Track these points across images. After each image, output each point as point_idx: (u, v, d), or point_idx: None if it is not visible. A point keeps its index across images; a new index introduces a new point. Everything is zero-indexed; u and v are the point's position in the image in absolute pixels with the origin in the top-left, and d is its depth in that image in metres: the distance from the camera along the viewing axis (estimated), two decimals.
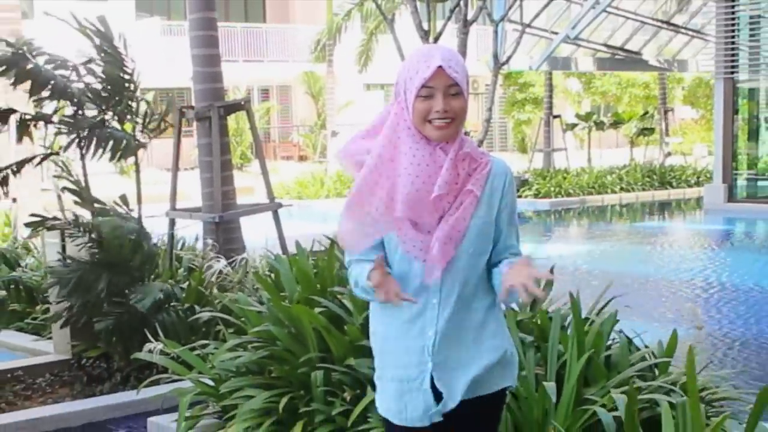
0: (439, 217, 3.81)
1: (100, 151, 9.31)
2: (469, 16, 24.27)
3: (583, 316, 7.08)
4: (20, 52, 8.91)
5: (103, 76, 9.33)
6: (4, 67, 8.79)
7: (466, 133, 3.97)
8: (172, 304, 9.45)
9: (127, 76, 9.40)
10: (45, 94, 9.09)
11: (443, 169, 3.76)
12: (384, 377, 4.02)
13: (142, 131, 9.64)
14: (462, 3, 23.90)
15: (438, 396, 3.91)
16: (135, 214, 9.43)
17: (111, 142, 9.29)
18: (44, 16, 9.60)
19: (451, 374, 3.90)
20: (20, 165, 9.31)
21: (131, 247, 9.15)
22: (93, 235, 9.08)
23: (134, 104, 9.56)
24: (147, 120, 9.68)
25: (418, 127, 3.77)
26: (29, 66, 8.89)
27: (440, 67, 3.71)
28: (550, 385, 6.42)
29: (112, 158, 9.43)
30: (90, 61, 9.33)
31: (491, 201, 3.89)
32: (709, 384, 7.38)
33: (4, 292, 9.24)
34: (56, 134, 9.39)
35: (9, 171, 9.20)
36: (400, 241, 3.83)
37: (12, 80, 8.88)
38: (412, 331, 3.89)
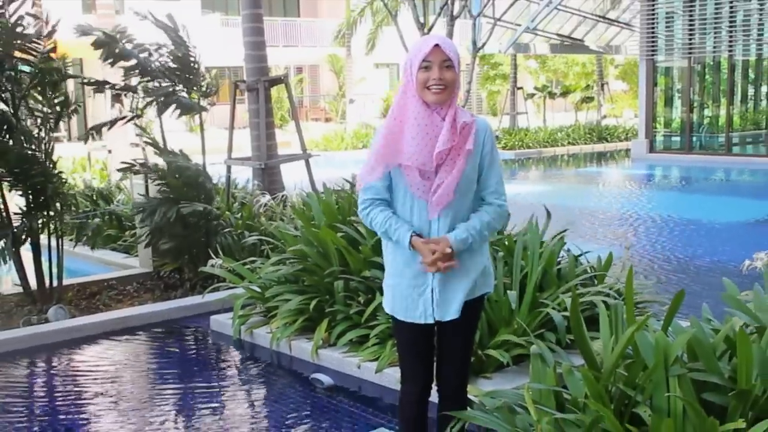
0: (436, 165, 3.77)
1: (174, 113, 9.28)
2: (455, 12, 24.04)
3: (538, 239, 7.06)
4: (113, 36, 8.87)
5: (174, 57, 9.29)
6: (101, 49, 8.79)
7: None
8: (228, 230, 9.43)
9: (191, 58, 9.34)
10: (132, 71, 9.08)
11: (444, 130, 3.73)
12: (395, 284, 3.98)
13: (204, 98, 9.58)
14: (449, 2, 23.66)
15: (433, 301, 3.90)
16: (200, 162, 9.40)
17: (180, 107, 9.26)
18: (132, 11, 9.57)
19: (447, 285, 3.88)
20: (112, 123, 9.27)
21: (194, 185, 9.11)
22: (166, 178, 9.05)
23: (198, 78, 9.50)
24: (207, 90, 9.62)
25: (420, 93, 3.74)
26: (118, 49, 8.85)
27: (436, 45, 3.72)
28: (512, 294, 6.42)
29: (180, 116, 9.40)
30: (162, 46, 9.29)
31: (476, 150, 3.86)
32: (636, 291, 7.36)
33: (98, 220, 9.23)
34: (141, 103, 9.35)
35: (104, 126, 9.17)
36: (410, 183, 3.80)
37: (104, 59, 8.88)
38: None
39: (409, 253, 3.88)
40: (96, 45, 8.79)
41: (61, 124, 8.87)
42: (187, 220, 8.92)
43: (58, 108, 8.55)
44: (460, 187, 3.81)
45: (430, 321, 3.90)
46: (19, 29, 8.05)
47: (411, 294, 3.91)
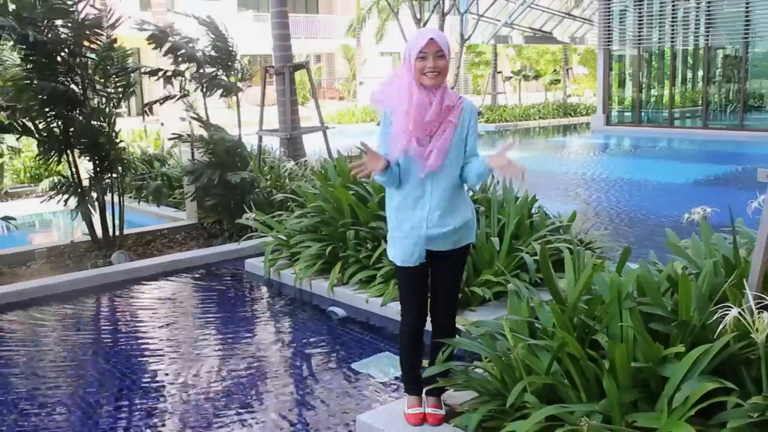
0: (428, 135, 3.76)
1: (215, 93, 9.23)
2: (446, 10, 23.82)
3: (513, 196, 7.03)
4: (165, 32, 8.81)
5: (215, 47, 9.22)
6: (154, 42, 8.75)
7: None
8: (259, 189, 9.39)
9: (229, 47, 9.27)
10: (181, 59, 9.03)
11: (433, 104, 3.73)
12: (395, 235, 3.99)
13: (240, 81, 9.52)
14: (441, 1, 23.45)
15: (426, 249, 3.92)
16: (236, 133, 9.36)
17: (224, 90, 9.21)
18: (181, 9, 9.50)
19: (438, 233, 3.88)
20: (164, 100, 9.20)
21: (233, 153, 9.07)
22: (210, 146, 9.01)
23: (235, 64, 9.42)
24: (242, 74, 9.55)
25: (418, 79, 3.72)
26: (170, 42, 8.80)
27: (431, 39, 3.70)
28: (495, 240, 6.40)
29: (224, 96, 9.34)
30: (207, 34, 9.23)
31: (463, 126, 3.85)
32: (594, 239, 7.34)
33: (160, 182, 9.22)
34: (189, 85, 9.29)
35: (157, 103, 9.13)
36: (409, 149, 3.77)
37: (161, 51, 8.87)
38: (416, 207, 3.88)
39: (404, 211, 3.91)
40: (150, 40, 8.76)
41: (123, 102, 8.82)
42: (227, 181, 8.89)
43: (120, 89, 8.51)
44: (449, 154, 3.80)
45: (423, 260, 3.93)
46: (87, 23, 7.99)
47: (407, 244, 3.92)
